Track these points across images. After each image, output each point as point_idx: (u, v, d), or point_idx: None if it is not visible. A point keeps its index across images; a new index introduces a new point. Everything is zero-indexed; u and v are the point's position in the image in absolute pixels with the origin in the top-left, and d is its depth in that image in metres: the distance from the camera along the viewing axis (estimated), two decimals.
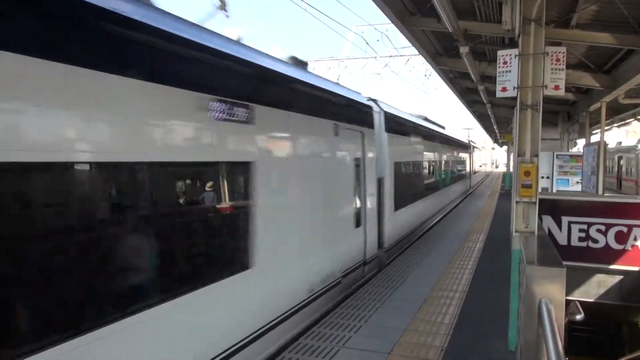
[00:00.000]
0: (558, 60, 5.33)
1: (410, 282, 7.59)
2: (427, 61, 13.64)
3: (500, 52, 5.52)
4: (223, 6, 6.74)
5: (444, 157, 19.30)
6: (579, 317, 4.40)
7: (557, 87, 5.35)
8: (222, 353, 4.42)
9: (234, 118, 4.65)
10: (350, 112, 8.16)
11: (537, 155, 5.30)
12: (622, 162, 26.77)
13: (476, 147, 42.07)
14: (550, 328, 2.81)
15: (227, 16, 6.97)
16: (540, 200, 5.63)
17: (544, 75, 5.22)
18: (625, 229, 7.64)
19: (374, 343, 5.17)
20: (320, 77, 8.07)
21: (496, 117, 25.17)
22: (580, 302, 7.20)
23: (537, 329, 3.46)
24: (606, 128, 20.94)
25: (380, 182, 9.38)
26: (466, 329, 5.57)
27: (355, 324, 5.74)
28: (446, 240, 11.36)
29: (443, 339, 5.26)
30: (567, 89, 6.73)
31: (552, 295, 3.45)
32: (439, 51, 12.83)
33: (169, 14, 4.38)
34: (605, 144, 12.85)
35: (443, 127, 22.21)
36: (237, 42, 5.47)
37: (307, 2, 13.41)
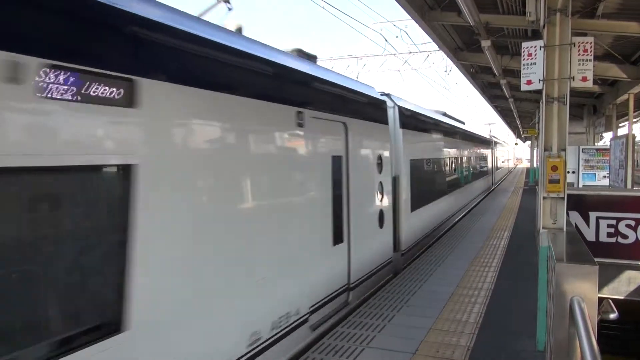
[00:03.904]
0: (586, 50, 5.17)
1: (434, 280, 7.48)
2: (448, 56, 13.47)
3: (524, 44, 5.38)
4: None
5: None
6: (612, 316, 4.26)
7: (584, 79, 5.19)
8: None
9: None
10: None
11: (564, 150, 5.16)
12: None
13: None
14: (584, 327, 2.71)
15: (230, 8, 6.23)
16: (567, 196, 5.48)
17: (571, 67, 5.08)
18: None
19: (398, 343, 5.09)
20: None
21: (519, 111, 24.73)
22: (610, 299, 7.02)
23: (569, 328, 3.35)
24: (634, 120, 20.38)
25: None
26: (493, 327, 5.46)
27: (379, 323, 5.67)
28: (469, 237, 11.20)
29: (469, 338, 5.16)
30: (593, 81, 6.54)
31: (584, 294, 3.33)
32: (460, 46, 12.66)
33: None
34: (634, 137, 12.49)
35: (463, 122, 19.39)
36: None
37: (325, 1, 13.32)
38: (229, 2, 6.22)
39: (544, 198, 5.30)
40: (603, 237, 7.68)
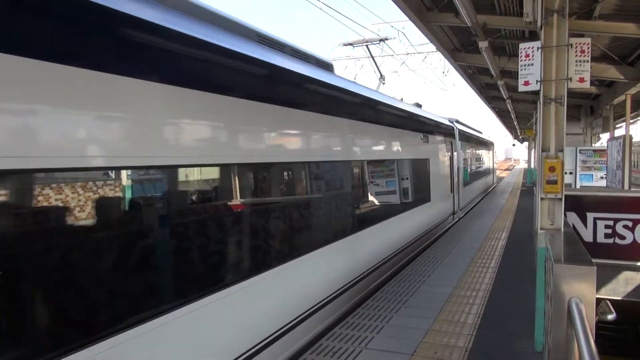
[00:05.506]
0: (583, 51, 5.18)
1: (432, 282, 7.47)
2: (445, 57, 13.49)
3: (522, 45, 5.39)
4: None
5: None
6: (610, 317, 4.26)
7: (582, 80, 5.20)
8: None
9: None
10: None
11: (562, 150, 5.16)
12: None
13: None
14: (583, 328, 2.71)
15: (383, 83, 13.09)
16: (565, 197, 5.49)
17: (568, 68, 5.08)
18: None
19: (396, 344, 5.08)
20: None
21: (516, 112, 24.80)
22: (608, 300, 7.01)
23: (567, 329, 3.35)
24: (631, 121, 20.45)
25: None
26: (491, 329, 5.45)
27: (377, 324, 5.66)
28: (467, 238, 11.20)
29: (467, 340, 5.15)
30: (590, 82, 6.49)
31: (582, 295, 3.33)
32: (457, 47, 12.67)
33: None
34: (631, 138, 12.51)
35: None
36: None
37: (323, 2, 13.35)
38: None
39: (541, 199, 5.30)
40: (600, 238, 7.68)
